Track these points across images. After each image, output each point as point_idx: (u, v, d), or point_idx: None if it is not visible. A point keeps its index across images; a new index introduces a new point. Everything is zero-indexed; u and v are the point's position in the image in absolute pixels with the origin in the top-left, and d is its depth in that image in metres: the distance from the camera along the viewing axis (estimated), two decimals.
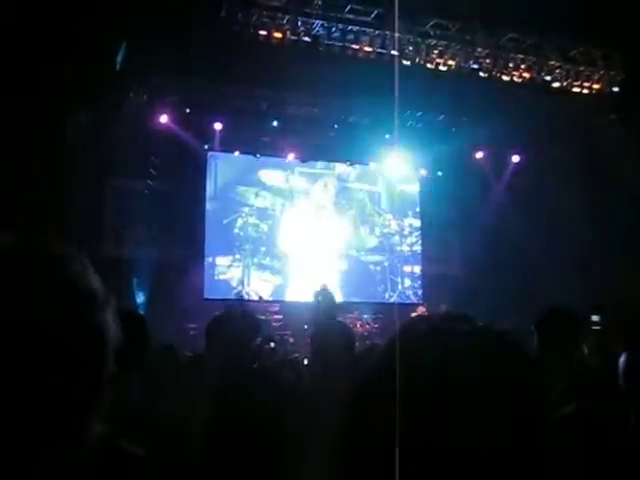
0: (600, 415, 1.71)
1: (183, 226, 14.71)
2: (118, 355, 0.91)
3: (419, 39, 12.35)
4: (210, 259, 15.05)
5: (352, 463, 0.85)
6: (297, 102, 14.52)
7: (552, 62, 13.15)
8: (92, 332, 0.88)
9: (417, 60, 12.40)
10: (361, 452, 0.85)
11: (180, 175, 14.65)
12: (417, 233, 16.88)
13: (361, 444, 0.85)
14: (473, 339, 0.91)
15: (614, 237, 12.59)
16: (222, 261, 15.15)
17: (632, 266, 11.81)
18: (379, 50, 12.12)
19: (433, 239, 16.77)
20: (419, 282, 16.67)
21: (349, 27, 11.96)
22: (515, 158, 16.27)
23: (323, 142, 15.72)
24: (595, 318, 6.55)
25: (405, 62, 12.30)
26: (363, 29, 12.03)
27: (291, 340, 13.01)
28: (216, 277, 15.08)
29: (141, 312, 10.79)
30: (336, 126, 15.35)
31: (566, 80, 13.29)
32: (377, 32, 12.04)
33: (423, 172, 16.92)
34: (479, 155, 16.29)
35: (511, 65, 13.01)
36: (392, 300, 16.32)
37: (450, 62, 12.62)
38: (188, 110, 14.19)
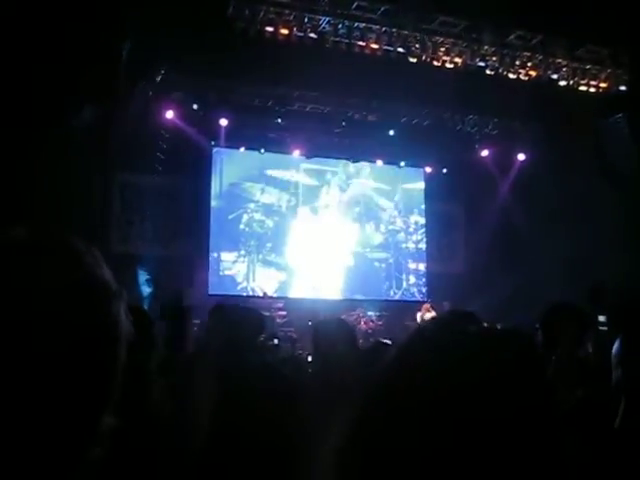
0: (599, 408, 1.72)
1: (189, 222, 14.74)
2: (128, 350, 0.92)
3: (426, 36, 12.32)
4: (215, 255, 15.06)
5: (363, 462, 0.86)
6: (303, 99, 14.51)
7: (559, 60, 13.11)
8: (107, 324, 0.88)
9: (424, 57, 12.38)
10: (373, 452, 0.85)
11: (186, 171, 14.66)
12: (422, 230, 16.88)
13: (374, 444, 0.85)
14: (484, 343, 0.92)
15: (618, 237, 12.56)
16: (227, 257, 15.16)
17: (636, 265, 11.79)
18: (386, 47, 12.10)
19: (438, 237, 16.78)
20: (424, 279, 16.66)
21: (356, 24, 11.95)
22: (521, 156, 16.23)
23: (329, 139, 15.71)
24: (602, 318, 6.52)
25: (411, 59, 12.28)
26: (370, 26, 12.01)
27: (295, 337, 13.02)
28: (221, 273, 15.10)
29: (146, 307, 10.81)
30: (342, 123, 15.33)
31: (573, 78, 13.26)
32: (384, 29, 12.02)
33: (428, 170, 16.91)
34: (484, 153, 16.26)
35: (517, 63, 12.97)
36: (397, 297, 16.33)
37: (457, 60, 12.60)
38: (194, 106, 14.19)
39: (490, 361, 0.88)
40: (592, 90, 13.42)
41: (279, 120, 14.79)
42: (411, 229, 16.88)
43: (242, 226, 15.42)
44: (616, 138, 13.15)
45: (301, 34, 11.72)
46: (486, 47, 12.70)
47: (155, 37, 10.75)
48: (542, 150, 15.10)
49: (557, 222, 14.06)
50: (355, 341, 3.84)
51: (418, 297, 16.23)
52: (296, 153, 15.72)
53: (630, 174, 12.61)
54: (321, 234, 15.75)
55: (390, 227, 16.71)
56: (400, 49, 12.21)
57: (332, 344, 3.31)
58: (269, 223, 15.65)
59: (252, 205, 15.58)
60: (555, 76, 13.22)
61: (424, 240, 16.84)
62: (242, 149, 15.53)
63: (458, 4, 11.52)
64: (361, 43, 12.05)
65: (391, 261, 16.52)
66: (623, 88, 13.33)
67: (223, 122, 14.51)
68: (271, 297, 14.70)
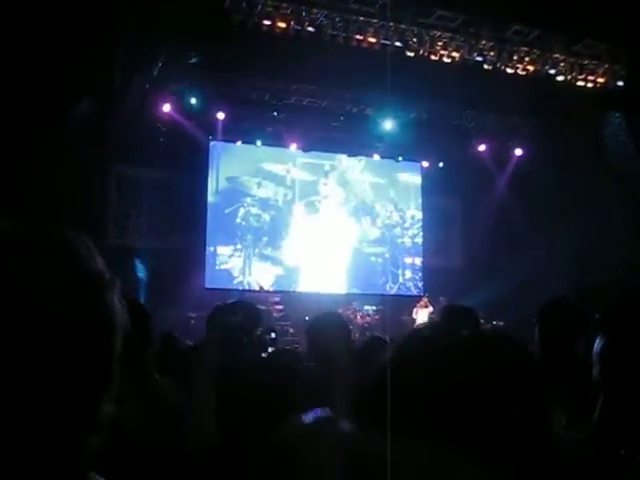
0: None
1: (185, 215, 14.73)
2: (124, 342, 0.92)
3: (423, 31, 12.31)
4: (212, 249, 15.06)
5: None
6: (300, 92, 14.49)
7: (556, 55, 13.11)
8: (102, 313, 0.89)
9: (421, 52, 12.37)
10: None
11: (183, 164, 14.64)
12: (418, 225, 16.88)
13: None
14: (478, 351, 0.93)
15: (615, 232, 12.58)
16: (223, 251, 15.16)
17: (633, 262, 11.82)
18: (383, 41, 12.08)
19: (434, 231, 16.79)
20: (420, 274, 16.68)
21: (353, 17, 11.93)
22: (518, 151, 16.25)
23: (326, 133, 15.70)
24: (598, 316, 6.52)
25: (409, 53, 12.27)
26: (367, 20, 11.99)
27: (291, 331, 13.04)
28: (217, 267, 15.10)
29: (142, 301, 10.81)
30: (339, 117, 15.31)
31: (570, 74, 13.25)
32: (381, 23, 12.00)
33: (425, 164, 16.91)
34: (482, 148, 16.27)
35: (515, 58, 12.97)
36: (393, 292, 16.34)
37: (454, 54, 12.59)
38: (191, 99, 14.16)
39: (485, 361, 0.89)
40: (590, 85, 13.42)
41: (276, 114, 14.77)
42: (407, 224, 16.88)
43: (239, 220, 15.41)
44: (613, 133, 13.15)
45: (299, 27, 11.69)
46: (484, 42, 12.69)
47: (152, 30, 10.73)
48: (539, 145, 15.12)
49: (554, 217, 14.08)
50: (350, 336, 3.85)
51: (414, 292, 16.24)
52: (293, 147, 15.71)
53: (627, 168, 12.62)
54: (317, 228, 15.75)
55: (386, 221, 16.71)
56: (398, 43, 12.19)
57: (327, 339, 3.31)
58: (265, 217, 15.64)
59: (249, 199, 15.57)
60: (553, 71, 13.22)
61: (420, 235, 16.84)
62: (239, 143, 15.51)
63: None
64: (359, 37, 12.03)
65: (387, 255, 16.53)
66: (620, 83, 13.33)
67: (220, 116, 14.50)
68: (267, 291, 14.70)
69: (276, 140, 15.58)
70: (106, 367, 0.89)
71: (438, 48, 12.54)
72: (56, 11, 9.72)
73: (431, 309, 13.62)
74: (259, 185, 15.71)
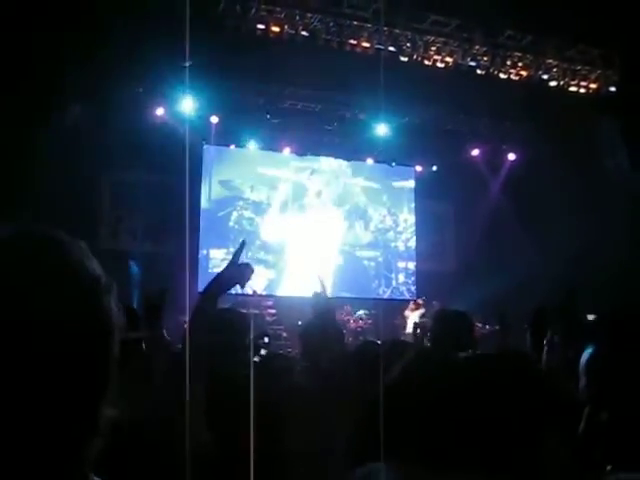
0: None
1: (178, 219, 14.68)
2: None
3: (417, 35, 12.34)
4: (204, 252, 15.03)
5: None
6: (294, 96, 14.49)
7: (549, 61, 13.17)
8: (99, 317, 0.89)
9: (415, 56, 12.41)
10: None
11: (176, 168, 14.52)
12: (412, 229, 16.89)
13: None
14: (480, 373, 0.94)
15: (609, 235, 12.62)
16: (217, 254, 15.13)
17: (627, 264, 11.85)
18: (377, 46, 12.11)
19: (427, 235, 16.80)
20: (413, 278, 16.68)
21: (347, 22, 11.95)
22: (511, 156, 16.29)
23: (319, 137, 15.71)
24: (591, 317, 6.52)
25: (403, 58, 12.30)
26: (361, 24, 12.02)
27: (284, 335, 13.02)
28: (210, 270, 15.05)
29: (134, 304, 10.77)
30: (332, 121, 15.32)
31: (563, 79, 13.32)
32: (375, 28, 12.03)
33: (419, 168, 16.93)
34: (475, 152, 16.30)
35: (508, 63, 13.02)
36: (386, 296, 16.34)
37: (448, 59, 12.63)
38: (184, 103, 14.15)
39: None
40: (582, 91, 13.48)
41: (269, 118, 14.78)
42: (401, 228, 16.89)
43: (232, 223, 15.40)
44: (606, 138, 13.20)
45: (292, 32, 11.71)
46: (477, 47, 12.74)
47: (145, 34, 10.72)
48: (532, 150, 15.16)
49: (547, 221, 14.12)
50: (343, 339, 3.85)
51: (407, 296, 16.24)
52: (286, 151, 15.71)
53: (620, 173, 12.66)
54: (311, 232, 15.75)
55: (380, 226, 16.71)
56: (391, 48, 12.23)
57: (321, 343, 3.31)
58: (258, 221, 15.63)
59: (241, 203, 15.56)
60: (546, 76, 13.28)
61: (414, 239, 16.85)
62: (232, 146, 15.51)
63: (449, 3, 11.55)
64: (352, 41, 12.05)
65: (380, 260, 16.54)
66: (613, 89, 13.39)
67: (214, 119, 14.48)
68: (260, 295, 14.68)
69: (270, 144, 15.58)
70: (104, 370, 0.89)
71: (432, 53, 12.58)
72: (48, 15, 9.71)
73: (422, 311, 13.57)
74: (252, 189, 15.70)
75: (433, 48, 12.56)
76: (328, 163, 16.39)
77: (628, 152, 12.93)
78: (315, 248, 15.58)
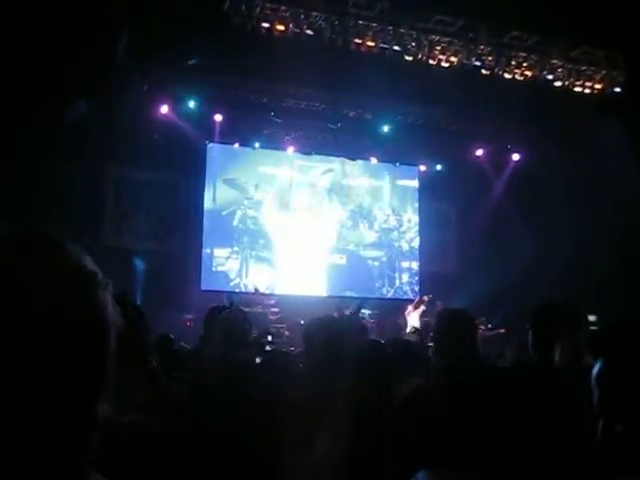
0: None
1: (182, 217, 14.71)
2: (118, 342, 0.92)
3: (422, 35, 12.33)
4: (208, 250, 15.03)
5: None
6: (298, 95, 14.47)
7: (554, 61, 13.14)
8: (95, 314, 0.89)
9: (419, 56, 12.39)
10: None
11: (180, 166, 14.63)
12: (415, 229, 16.86)
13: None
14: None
15: (613, 237, 12.60)
16: (220, 253, 15.13)
17: (627, 266, 11.84)
18: (382, 45, 12.10)
19: (431, 235, 16.79)
20: (416, 278, 16.66)
21: (352, 21, 11.94)
22: (515, 156, 16.27)
23: (323, 136, 15.71)
24: (592, 318, 6.52)
25: (407, 58, 12.29)
26: (366, 23, 12.01)
27: (287, 333, 13.01)
28: (214, 269, 15.07)
29: (138, 301, 10.79)
30: (337, 120, 15.31)
31: (568, 79, 13.28)
32: (380, 27, 12.02)
33: (423, 168, 16.91)
34: (479, 152, 16.29)
35: (513, 63, 12.99)
36: (389, 296, 16.33)
37: (452, 59, 12.60)
38: (188, 101, 14.16)
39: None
40: (587, 91, 13.45)
41: (274, 116, 14.77)
42: (404, 227, 16.87)
43: (235, 222, 15.38)
44: (611, 139, 13.17)
45: (297, 30, 11.70)
46: (482, 46, 12.71)
47: (150, 32, 10.73)
48: (537, 150, 15.14)
49: (551, 221, 14.10)
50: (347, 339, 3.85)
51: (411, 295, 16.18)
52: (290, 150, 15.71)
53: (625, 173, 12.64)
54: (314, 231, 15.74)
55: (384, 225, 16.69)
56: (396, 47, 12.21)
57: (324, 342, 3.31)
58: (262, 220, 15.63)
59: (245, 201, 15.55)
60: (550, 77, 13.25)
61: (417, 239, 16.83)
62: (236, 145, 15.50)
63: (455, 3, 11.54)
64: (357, 40, 12.04)
65: (384, 259, 16.52)
66: (618, 90, 13.37)
67: (218, 118, 14.49)
68: (263, 293, 14.66)
69: (274, 143, 15.58)
70: (101, 367, 0.90)
71: (436, 52, 12.55)
72: (54, 11, 9.72)
73: (423, 308, 13.50)
74: (256, 188, 15.69)
75: (438, 48, 12.53)
76: (332, 162, 16.37)
77: (632, 152, 12.89)
78: (319, 247, 15.58)
